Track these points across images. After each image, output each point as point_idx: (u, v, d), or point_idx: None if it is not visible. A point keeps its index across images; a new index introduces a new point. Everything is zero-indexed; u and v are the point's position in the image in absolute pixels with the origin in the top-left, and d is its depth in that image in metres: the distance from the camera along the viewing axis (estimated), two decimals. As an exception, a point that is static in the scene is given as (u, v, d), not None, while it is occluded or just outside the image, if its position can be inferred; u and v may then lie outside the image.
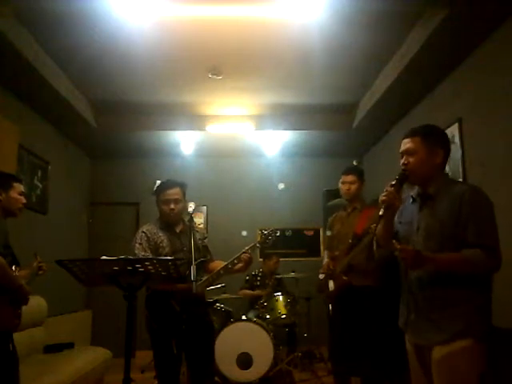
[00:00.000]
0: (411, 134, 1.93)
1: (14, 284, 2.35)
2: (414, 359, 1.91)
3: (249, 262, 2.86)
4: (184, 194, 2.95)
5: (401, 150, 1.94)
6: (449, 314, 1.74)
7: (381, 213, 1.85)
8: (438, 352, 1.74)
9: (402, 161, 1.92)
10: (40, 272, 2.74)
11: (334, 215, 3.51)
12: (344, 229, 3.28)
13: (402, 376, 3.60)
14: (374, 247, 2.11)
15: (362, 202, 3.35)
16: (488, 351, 1.72)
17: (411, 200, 2.00)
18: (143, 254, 2.75)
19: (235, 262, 2.85)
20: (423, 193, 1.92)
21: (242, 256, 2.84)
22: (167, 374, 2.76)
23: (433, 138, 1.90)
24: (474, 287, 1.74)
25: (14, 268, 2.49)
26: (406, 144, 1.92)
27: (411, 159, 1.88)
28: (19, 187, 2.61)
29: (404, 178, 1.89)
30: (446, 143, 1.94)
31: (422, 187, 1.93)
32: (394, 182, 1.87)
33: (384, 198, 1.83)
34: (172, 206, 2.86)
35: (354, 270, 3.13)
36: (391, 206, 1.85)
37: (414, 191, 2.00)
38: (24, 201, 2.63)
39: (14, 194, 2.56)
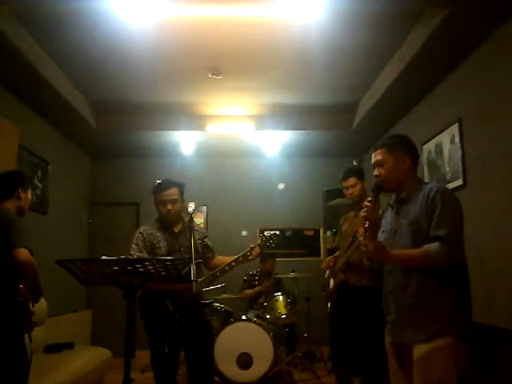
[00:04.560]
0: (378, 147, 2.06)
1: (36, 282, 2.38)
2: (393, 360, 1.96)
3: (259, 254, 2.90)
4: (182, 194, 2.92)
5: (372, 163, 2.07)
6: (428, 313, 1.78)
7: (366, 225, 1.92)
8: (417, 350, 1.78)
9: (375, 172, 2.05)
10: None
11: (344, 216, 3.56)
12: (350, 228, 3.33)
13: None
14: (364, 260, 2.19)
15: None
16: (469, 352, 1.73)
17: (390, 208, 2.10)
18: (138, 254, 2.75)
19: (233, 264, 2.84)
20: (398, 198, 2.03)
21: (253, 252, 2.85)
22: (160, 373, 2.77)
23: (398, 147, 2.02)
24: (450, 284, 1.78)
25: None
26: (376, 156, 2.05)
27: (381, 170, 2.02)
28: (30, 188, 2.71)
29: (379, 188, 2.03)
30: (411, 150, 2.05)
31: (397, 193, 2.05)
32: (370, 198, 1.98)
33: (364, 214, 1.93)
34: (169, 206, 2.83)
35: (352, 268, 3.18)
36: (372, 220, 1.94)
37: (391, 199, 2.11)
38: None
39: (29, 194, 2.65)
